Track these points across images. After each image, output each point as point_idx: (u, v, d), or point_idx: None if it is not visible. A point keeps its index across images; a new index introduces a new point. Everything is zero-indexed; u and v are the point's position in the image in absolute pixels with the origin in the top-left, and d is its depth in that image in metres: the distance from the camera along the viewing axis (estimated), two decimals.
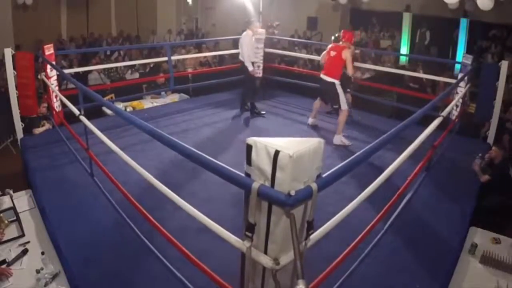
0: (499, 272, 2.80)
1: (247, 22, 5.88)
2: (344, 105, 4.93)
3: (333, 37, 5.45)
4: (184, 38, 12.63)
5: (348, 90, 5.64)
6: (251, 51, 5.77)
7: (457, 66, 7.69)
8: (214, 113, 6.03)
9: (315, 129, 5.50)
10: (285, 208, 1.44)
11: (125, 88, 6.78)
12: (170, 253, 2.64)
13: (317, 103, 5.49)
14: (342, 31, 5.27)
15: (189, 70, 8.49)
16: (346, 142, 4.95)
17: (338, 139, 4.96)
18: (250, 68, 5.73)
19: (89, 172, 3.83)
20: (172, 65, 6.60)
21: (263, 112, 6.09)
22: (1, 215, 3.06)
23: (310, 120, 5.63)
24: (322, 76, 5.06)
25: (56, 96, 5.12)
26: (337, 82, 4.92)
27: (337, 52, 4.92)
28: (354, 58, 5.79)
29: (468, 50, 8.94)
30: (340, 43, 5.10)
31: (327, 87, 5.00)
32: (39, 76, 5.24)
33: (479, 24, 9.18)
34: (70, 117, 4.32)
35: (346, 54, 4.89)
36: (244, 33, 5.79)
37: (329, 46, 5.14)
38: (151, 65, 8.40)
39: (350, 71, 4.99)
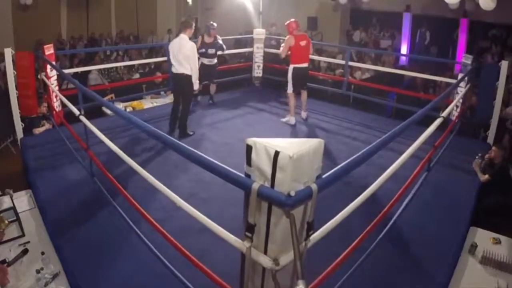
0: (499, 272, 2.80)
1: (185, 23, 4.76)
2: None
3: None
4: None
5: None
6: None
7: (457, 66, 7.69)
8: (214, 113, 6.03)
9: (315, 129, 5.50)
10: (285, 208, 1.43)
11: (125, 88, 6.79)
12: (170, 253, 2.64)
13: (294, 100, 5.61)
14: (289, 22, 5.44)
15: None
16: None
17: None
18: (197, 86, 4.79)
19: (89, 172, 3.83)
20: None
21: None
22: (1, 215, 3.06)
23: (293, 120, 5.67)
24: (302, 65, 5.44)
25: (56, 96, 5.12)
26: None
27: (307, 41, 5.46)
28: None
29: (468, 50, 8.95)
30: (301, 33, 5.54)
31: (306, 72, 5.63)
32: (39, 76, 5.24)
33: (479, 24, 9.18)
34: (70, 117, 4.33)
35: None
36: (184, 39, 4.61)
37: (291, 38, 5.31)
38: (152, 66, 8.39)
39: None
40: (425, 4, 9.72)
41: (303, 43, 5.37)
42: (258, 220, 1.57)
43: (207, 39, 5.96)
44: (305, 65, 5.49)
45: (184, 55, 4.59)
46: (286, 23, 5.50)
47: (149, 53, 10.18)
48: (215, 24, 5.97)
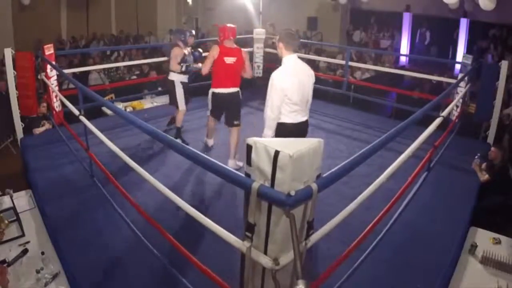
0: (499, 272, 2.80)
1: (291, 31, 2.98)
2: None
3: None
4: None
5: None
6: None
7: (457, 66, 7.70)
8: None
9: (315, 129, 5.49)
10: (285, 208, 1.43)
11: (125, 88, 6.78)
12: (169, 253, 2.64)
13: (212, 123, 4.42)
14: (223, 26, 4.10)
15: None
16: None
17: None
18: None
19: (89, 172, 3.83)
20: None
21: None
22: (1, 215, 3.06)
23: (211, 142, 4.61)
24: (225, 90, 3.99)
25: (56, 96, 5.12)
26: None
27: (238, 58, 3.98)
28: None
29: (468, 50, 8.96)
30: (235, 46, 4.07)
31: (234, 99, 4.09)
32: (39, 76, 5.24)
33: (479, 24, 9.20)
34: (70, 117, 4.32)
35: (246, 55, 4.06)
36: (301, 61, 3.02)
37: (216, 48, 3.98)
38: (152, 66, 8.38)
39: (249, 74, 4.15)
40: (425, 4, 9.73)
41: (229, 60, 3.92)
42: (258, 219, 1.57)
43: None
44: (229, 90, 4.00)
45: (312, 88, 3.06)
46: (219, 26, 4.17)
47: (149, 53, 10.18)
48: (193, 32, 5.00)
